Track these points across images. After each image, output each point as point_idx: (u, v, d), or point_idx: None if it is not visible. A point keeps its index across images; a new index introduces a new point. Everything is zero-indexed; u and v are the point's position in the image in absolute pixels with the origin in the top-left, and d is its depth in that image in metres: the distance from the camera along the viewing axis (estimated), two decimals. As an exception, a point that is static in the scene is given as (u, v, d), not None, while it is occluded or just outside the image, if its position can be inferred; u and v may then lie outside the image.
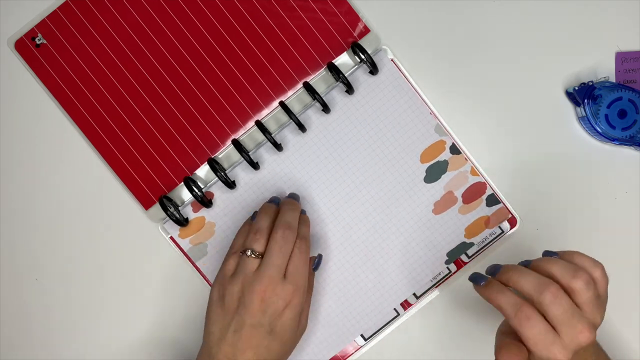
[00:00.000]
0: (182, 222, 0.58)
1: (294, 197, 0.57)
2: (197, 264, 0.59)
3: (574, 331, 0.45)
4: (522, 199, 0.59)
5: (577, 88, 0.57)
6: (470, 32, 0.59)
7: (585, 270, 0.47)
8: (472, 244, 0.59)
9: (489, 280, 0.49)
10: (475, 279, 0.50)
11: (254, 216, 0.54)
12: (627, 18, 0.59)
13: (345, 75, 0.57)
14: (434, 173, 0.59)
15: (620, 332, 0.59)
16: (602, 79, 0.57)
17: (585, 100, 0.56)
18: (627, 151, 0.59)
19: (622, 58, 0.59)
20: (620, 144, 0.57)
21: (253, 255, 0.51)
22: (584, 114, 0.57)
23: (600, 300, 0.47)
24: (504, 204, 0.59)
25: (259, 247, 0.51)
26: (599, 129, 0.56)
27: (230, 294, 0.50)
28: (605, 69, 0.59)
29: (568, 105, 0.59)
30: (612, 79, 0.59)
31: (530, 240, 0.59)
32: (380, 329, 0.59)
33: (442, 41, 0.59)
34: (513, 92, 0.59)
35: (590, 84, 0.57)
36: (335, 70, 0.57)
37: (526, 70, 0.59)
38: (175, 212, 0.58)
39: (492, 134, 0.59)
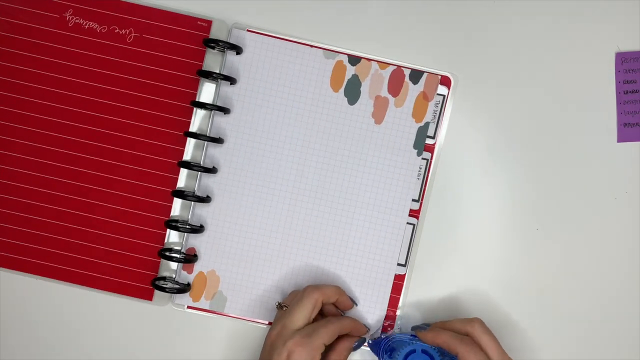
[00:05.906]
0: (186, 288, 0.58)
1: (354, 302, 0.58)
2: (225, 311, 0.59)
3: None
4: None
5: (371, 342, 0.56)
6: (468, 30, 0.59)
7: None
8: (427, 124, 0.58)
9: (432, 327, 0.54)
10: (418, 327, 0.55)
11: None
12: (627, 18, 0.58)
13: (219, 71, 0.57)
14: (352, 92, 0.58)
15: (621, 331, 0.59)
16: (395, 332, 0.56)
17: (381, 355, 0.54)
18: (627, 151, 0.58)
19: (622, 58, 0.58)
20: None
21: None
22: None
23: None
24: (427, 72, 0.58)
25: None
26: None
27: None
28: (603, 72, 0.58)
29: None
30: (611, 84, 0.58)
31: (529, 240, 0.59)
32: (408, 251, 0.59)
33: None
34: (511, 91, 0.59)
35: (384, 337, 0.56)
36: (207, 74, 0.57)
37: (525, 69, 0.59)
38: (174, 285, 0.58)
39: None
